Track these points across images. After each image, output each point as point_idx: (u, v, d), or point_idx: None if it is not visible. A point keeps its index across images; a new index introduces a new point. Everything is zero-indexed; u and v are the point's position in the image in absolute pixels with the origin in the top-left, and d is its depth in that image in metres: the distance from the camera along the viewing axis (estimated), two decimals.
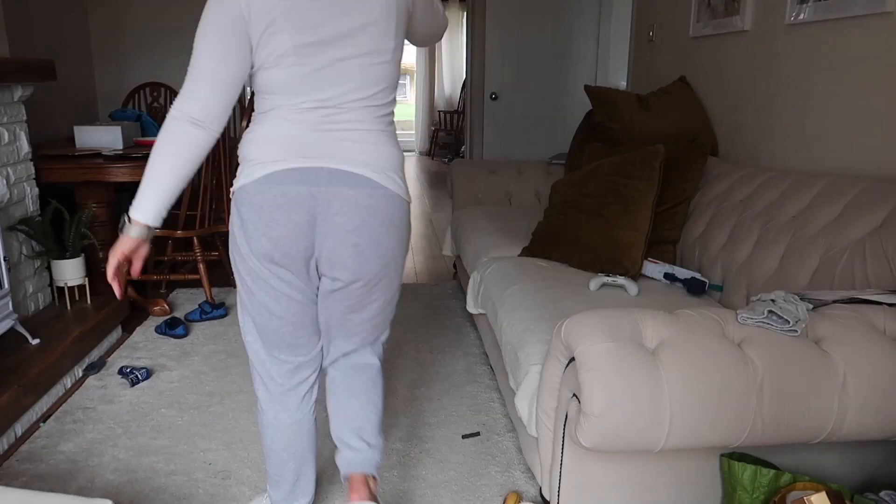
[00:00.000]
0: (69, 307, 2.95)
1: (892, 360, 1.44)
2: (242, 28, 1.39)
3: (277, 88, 1.45)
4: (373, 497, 1.72)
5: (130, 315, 3.29)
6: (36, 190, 2.93)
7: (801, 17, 2.33)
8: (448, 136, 10.22)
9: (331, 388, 1.76)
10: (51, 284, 3.00)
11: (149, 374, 2.69)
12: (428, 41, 1.75)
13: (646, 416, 1.40)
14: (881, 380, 1.43)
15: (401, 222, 1.54)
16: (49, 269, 2.97)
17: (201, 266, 3.43)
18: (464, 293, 3.67)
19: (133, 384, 2.62)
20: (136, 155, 3.23)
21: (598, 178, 2.56)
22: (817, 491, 1.38)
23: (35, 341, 2.57)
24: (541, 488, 1.76)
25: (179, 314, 3.39)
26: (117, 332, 3.11)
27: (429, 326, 3.26)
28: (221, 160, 3.43)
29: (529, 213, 3.43)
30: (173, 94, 5.03)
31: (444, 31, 1.76)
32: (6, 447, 2.21)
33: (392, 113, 1.57)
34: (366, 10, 1.43)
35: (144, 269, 3.83)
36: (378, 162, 1.49)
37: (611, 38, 5.08)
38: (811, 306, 1.56)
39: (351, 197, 1.45)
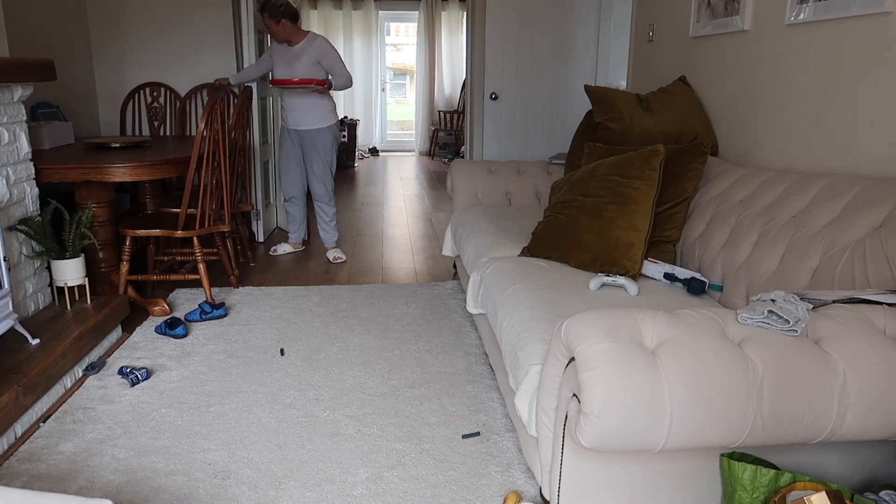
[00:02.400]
0: (69, 307, 2.95)
1: (892, 360, 1.44)
2: None
3: None
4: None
5: (130, 315, 3.29)
6: (36, 190, 2.93)
7: (801, 17, 2.34)
8: (448, 136, 10.22)
9: None
10: (51, 284, 3.00)
11: (149, 374, 2.69)
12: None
13: (646, 416, 1.40)
14: (881, 380, 1.43)
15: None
16: (49, 269, 2.97)
17: (201, 266, 3.43)
18: (464, 293, 3.67)
19: (133, 384, 2.62)
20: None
21: (597, 177, 2.56)
22: (817, 491, 1.38)
23: (35, 341, 2.57)
24: (541, 488, 1.76)
25: (179, 314, 3.39)
26: (117, 332, 3.11)
27: (429, 326, 3.26)
28: (221, 160, 3.43)
29: (529, 213, 3.42)
30: (173, 93, 5.03)
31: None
32: (6, 447, 2.21)
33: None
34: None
35: (144, 269, 3.84)
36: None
37: (611, 38, 5.08)
38: (811, 306, 1.56)
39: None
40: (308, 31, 4.20)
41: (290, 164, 4.40)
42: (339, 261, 4.43)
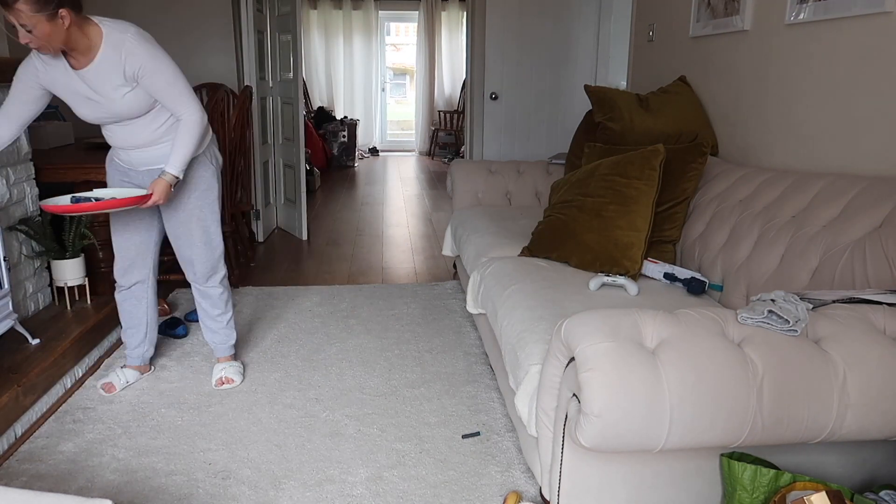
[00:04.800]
0: (69, 307, 2.95)
1: (892, 360, 1.44)
2: None
3: None
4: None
5: None
6: (36, 190, 2.93)
7: (801, 17, 2.34)
8: (448, 136, 10.22)
9: None
10: (51, 284, 3.00)
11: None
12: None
13: (646, 415, 1.40)
14: (881, 380, 1.43)
15: None
16: (49, 269, 2.97)
17: None
18: (464, 293, 3.67)
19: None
20: None
21: (597, 177, 2.56)
22: (817, 491, 1.38)
23: (35, 341, 2.57)
24: (541, 488, 1.76)
25: (179, 314, 3.39)
26: (117, 332, 3.11)
27: (429, 326, 3.26)
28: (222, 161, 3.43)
29: (529, 213, 3.42)
30: None
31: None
32: (6, 447, 2.21)
33: None
34: None
35: None
36: None
37: (611, 38, 5.08)
38: (811, 306, 1.56)
39: None
40: (100, 26, 2.15)
41: None
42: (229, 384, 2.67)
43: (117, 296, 2.64)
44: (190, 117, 2.27)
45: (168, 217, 2.48)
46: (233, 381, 2.65)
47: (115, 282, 2.63)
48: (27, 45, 2.04)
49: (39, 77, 2.19)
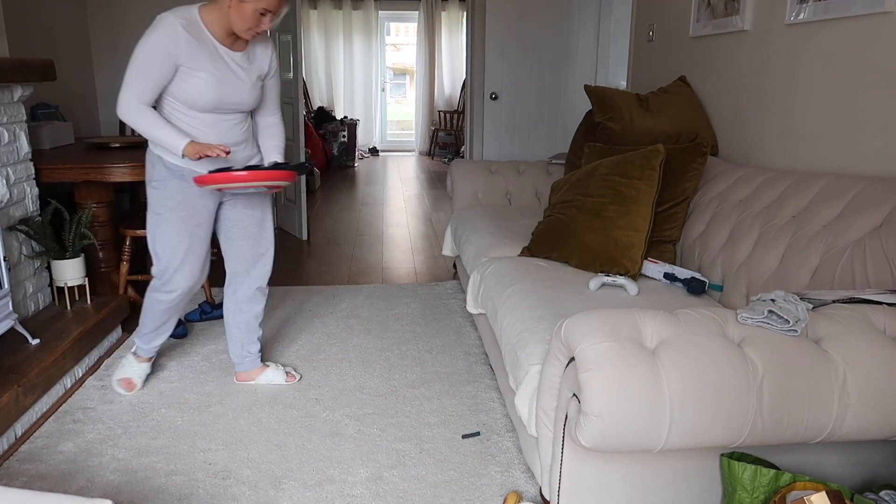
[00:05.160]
0: (69, 307, 2.95)
1: (892, 359, 1.44)
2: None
3: None
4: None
5: (130, 315, 3.28)
6: (36, 190, 2.93)
7: (801, 16, 2.34)
8: (448, 136, 10.22)
9: None
10: (51, 284, 2.99)
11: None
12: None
13: (646, 415, 1.40)
14: (881, 379, 1.43)
15: None
16: (49, 269, 2.97)
17: None
18: (464, 293, 3.67)
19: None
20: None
21: (597, 177, 2.56)
22: (817, 491, 1.38)
23: (35, 341, 2.57)
24: (541, 488, 1.76)
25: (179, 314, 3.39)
26: (117, 332, 3.11)
27: (429, 326, 3.26)
28: None
29: (529, 213, 3.42)
30: None
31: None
32: (6, 447, 2.21)
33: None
34: None
35: (144, 269, 3.83)
36: None
37: (611, 37, 5.08)
38: (811, 306, 1.56)
39: None
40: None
41: None
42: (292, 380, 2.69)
43: (166, 298, 2.44)
44: (281, 119, 2.53)
45: (243, 216, 2.48)
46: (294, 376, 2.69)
47: (158, 287, 2.44)
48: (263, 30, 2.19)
49: (180, 50, 2.14)
